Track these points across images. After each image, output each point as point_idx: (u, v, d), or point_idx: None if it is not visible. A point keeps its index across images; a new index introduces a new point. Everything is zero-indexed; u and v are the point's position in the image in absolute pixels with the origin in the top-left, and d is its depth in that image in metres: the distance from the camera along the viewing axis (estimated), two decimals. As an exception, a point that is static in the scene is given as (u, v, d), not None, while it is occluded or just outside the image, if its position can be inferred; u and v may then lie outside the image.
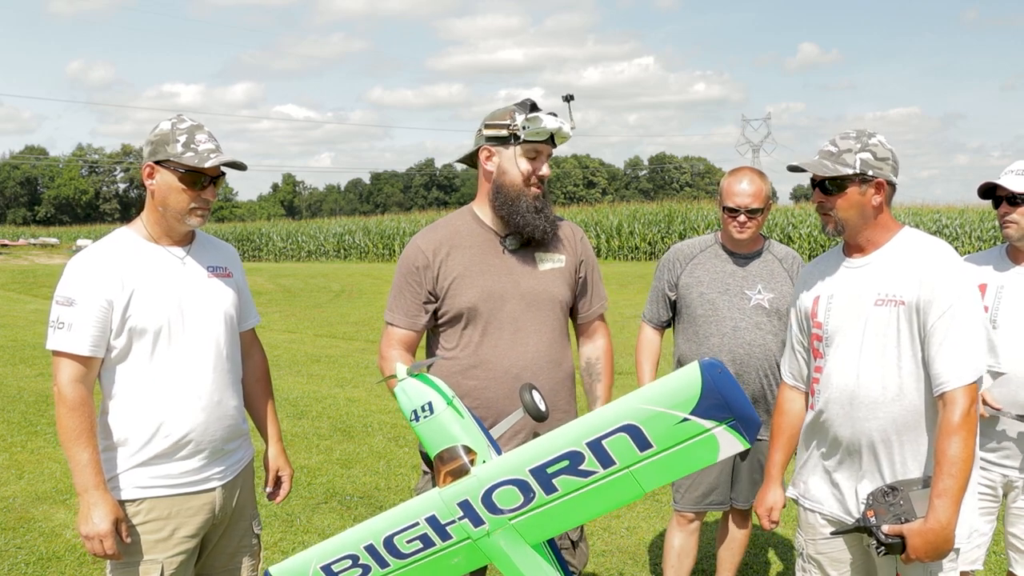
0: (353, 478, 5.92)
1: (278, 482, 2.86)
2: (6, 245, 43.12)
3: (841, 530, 2.47)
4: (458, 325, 2.69)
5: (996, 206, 3.06)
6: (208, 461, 2.53)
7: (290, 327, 13.74)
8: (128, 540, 2.42)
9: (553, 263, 2.75)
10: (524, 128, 2.59)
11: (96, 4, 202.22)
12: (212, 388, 2.52)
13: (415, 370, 2.28)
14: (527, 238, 2.70)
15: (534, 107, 2.62)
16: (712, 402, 1.88)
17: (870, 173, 2.40)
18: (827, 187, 2.43)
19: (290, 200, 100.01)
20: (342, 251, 37.45)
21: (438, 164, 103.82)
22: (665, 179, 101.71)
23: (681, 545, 3.58)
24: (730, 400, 1.89)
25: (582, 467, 1.99)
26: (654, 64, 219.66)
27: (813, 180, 2.48)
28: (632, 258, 30.98)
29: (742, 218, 3.33)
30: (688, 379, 1.91)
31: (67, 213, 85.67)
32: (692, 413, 1.90)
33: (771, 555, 4.56)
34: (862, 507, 2.40)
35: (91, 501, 2.35)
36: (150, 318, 2.42)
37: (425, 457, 2.27)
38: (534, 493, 2.04)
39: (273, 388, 2.92)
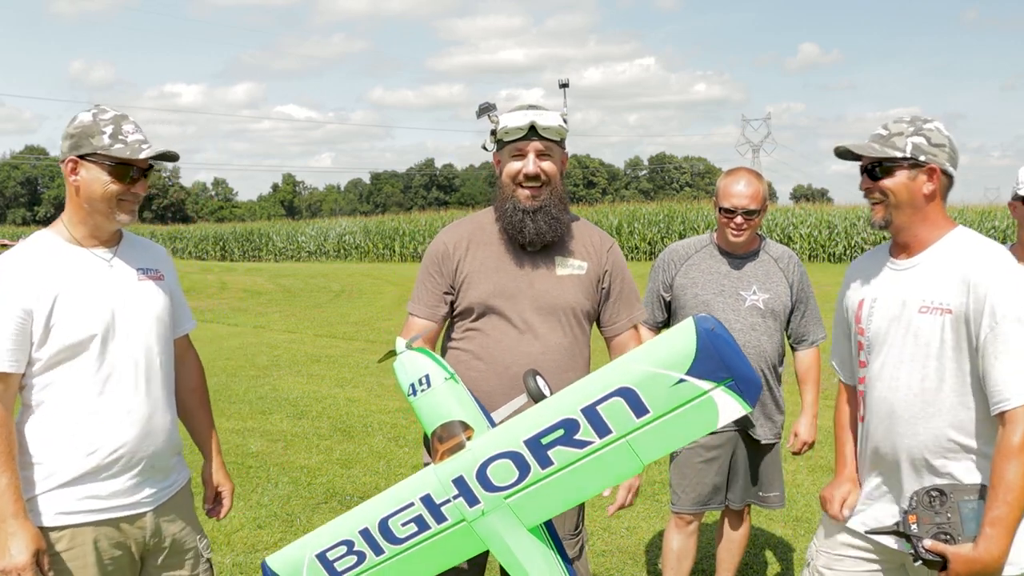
0: (353, 478, 5.92)
1: (217, 498, 2.70)
2: (6, 245, 43.08)
3: (878, 530, 2.30)
4: (468, 319, 2.69)
5: None
6: (138, 481, 2.33)
7: (290, 327, 13.73)
8: (50, 573, 2.22)
9: (572, 269, 2.69)
10: (498, 129, 2.55)
11: (98, 5, 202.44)
12: (144, 401, 2.33)
13: (414, 343, 2.20)
14: (540, 243, 2.64)
15: (487, 109, 2.56)
16: (708, 361, 1.80)
17: (922, 158, 2.22)
18: (875, 172, 2.27)
19: (290, 200, 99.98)
20: (342, 251, 37.42)
21: (438, 164, 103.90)
22: (665, 179, 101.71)
23: (680, 547, 3.57)
24: (727, 358, 1.81)
25: (577, 436, 1.92)
26: (655, 64, 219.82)
27: (862, 167, 2.32)
28: (632, 258, 30.94)
29: (738, 219, 3.30)
30: (682, 336, 1.82)
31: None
32: (688, 373, 1.82)
33: (770, 555, 4.56)
34: (903, 507, 2.22)
35: (9, 531, 2.14)
36: (76, 327, 2.23)
37: (427, 444, 2.23)
38: (529, 467, 1.97)
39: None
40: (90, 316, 2.26)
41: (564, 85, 2.62)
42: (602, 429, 1.90)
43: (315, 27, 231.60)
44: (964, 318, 2.14)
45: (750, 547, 4.53)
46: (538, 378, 2.16)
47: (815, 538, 2.57)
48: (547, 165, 2.59)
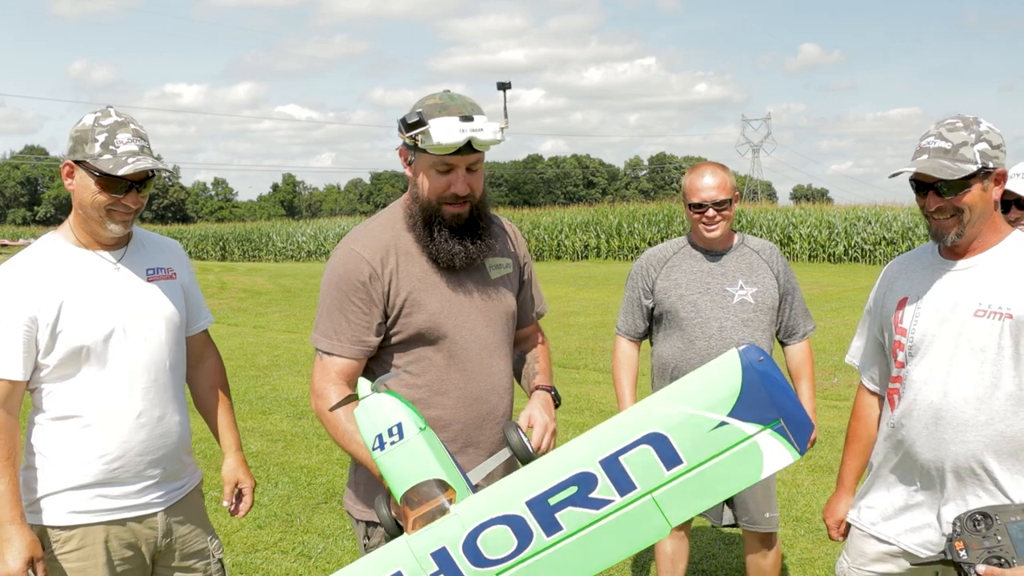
0: (353, 478, 5.92)
1: (240, 496, 2.64)
2: (6, 245, 43.00)
3: (925, 562, 2.15)
4: (416, 347, 2.29)
5: (1005, 211, 2.96)
6: (149, 483, 2.32)
7: (290, 327, 13.72)
8: None
9: (502, 269, 2.41)
10: (429, 145, 2.13)
11: (99, 5, 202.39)
12: (153, 403, 2.31)
13: (380, 385, 1.88)
14: (471, 266, 2.32)
15: (419, 123, 2.13)
16: (755, 400, 1.56)
17: (991, 165, 2.11)
18: (943, 188, 2.11)
19: (290, 200, 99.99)
20: (342, 251, 37.40)
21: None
22: (665, 179, 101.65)
23: (673, 550, 3.50)
24: (776, 397, 1.56)
25: (594, 495, 1.60)
26: (656, 65, 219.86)
27: (922, 182, 2.16)
28: (632, 258, 30.92)
29: (710, 212, 3.19)
30: (724, 371, 1.58)
31: (67, 213, 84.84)
32: (731, 415, 1.56)
33: (771, 555, 4.55)
34: (947, 534, 2.11)
35: (5, 536, 2.11)
36: (83, 332, 2.21)
37: (386, 501, 1.88)
38: (531, 534, 1.62)
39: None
40: (96, 321, 2.24)
41: (504, 86, 2.25)
42: (624, 485, 1.59)
43: (317, 28, 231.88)
44: None
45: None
46: (519, 431, 1.88)
47: (844, 553, 2.49)
48: (475, 179, 2.24)
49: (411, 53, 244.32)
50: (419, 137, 2.14)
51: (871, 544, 2.37)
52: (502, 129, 2.18)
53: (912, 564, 2.28)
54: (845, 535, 2.55)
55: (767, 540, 3.39)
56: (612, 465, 1.59)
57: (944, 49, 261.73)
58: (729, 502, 3.38)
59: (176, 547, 2.43)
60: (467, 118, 2.12)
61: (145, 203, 2.32)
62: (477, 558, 1.63)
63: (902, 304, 2.29)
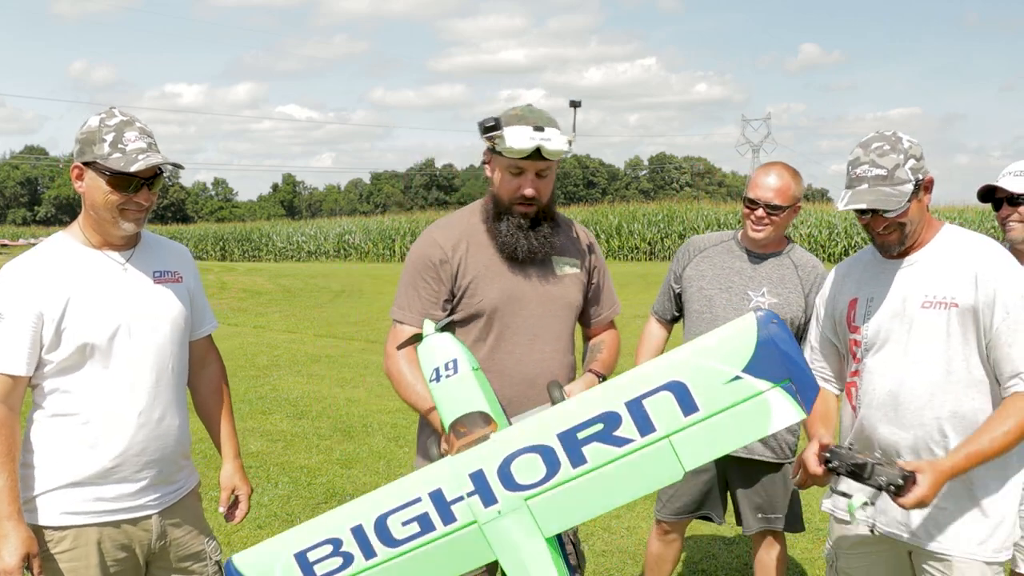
0: (353, 478, 5.93)
1: (236, 503, 2.65)
2: (6, 245, 43.05)
3: (838, 483, 2.30)
4: (474, 326, 2.57)
5: (997, 208, 3.03)
6: (145, 484, 2.33)
7: (290, 327, 13.73)
8: (40, 575, 2.20)
9: (570, 268, 2.67)
10: (503, 149, 2.42)
11: (99, 5, 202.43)
12: (153, 404, 2.33)
13: (443, 327, 2.13)
14: (533, 260, 2.58)
15: (494, 127, 2.43)
16: (768, 358, 1.72)
17: (920, 177, 2.29)
18: (884, 209, 2.27)
19: (290, 200, 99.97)
20: (342, 251, 37.42)
21: (438, 164, 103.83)
22: (665, 179, 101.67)
23: (659, 553, 3.50)
24: (787, 358, 1.72)
25: (617, 432, 1.78)
26: (656, 65, 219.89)
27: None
28: (632, 258, 30.96)
29: (760, 212, 3.13)
30: (742, 330, 1.74)
31: (67, 213, 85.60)
32: (745, 370, 1.73)
33: (771, 555, 4.55)
34: (846, 456, 2.22)
35: (2, 532, 2.13)
36: (87, 330, 2.23)
37: (437, 444, 2.08)
38: (559, 464, 1.81)
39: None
40: (101, 319, 2.26)
41: (576, 104, 2.49)
42: (645, 426, 1.78)
43: (317, 28, 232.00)
44: (972, 311, 2.24)
45: (748, 547, 4.53)
46: (564, 390, 2.07)
47: (828, 539, 2.61)
48: (543, 184, 2.52)
49: (411, 53, 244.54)
50: (496, 140, 2.42)
51: (849, 529, 2.49)
52: (570, 142, 2.44)
53: (887, 544, 2.41)
54: (817, 474, 2.40)
55: (764, 541, 3.39)
56: (636, 407, 1.78)
57: (944, 49, 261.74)
58: (755, 506, 3.30)
59: (171, 550, 2.44)
60: (539, 128, 2.41)
61: (156, 200, 2.34)
62: (509, 482, 1.84)
63: (853, 304, 2.46)
